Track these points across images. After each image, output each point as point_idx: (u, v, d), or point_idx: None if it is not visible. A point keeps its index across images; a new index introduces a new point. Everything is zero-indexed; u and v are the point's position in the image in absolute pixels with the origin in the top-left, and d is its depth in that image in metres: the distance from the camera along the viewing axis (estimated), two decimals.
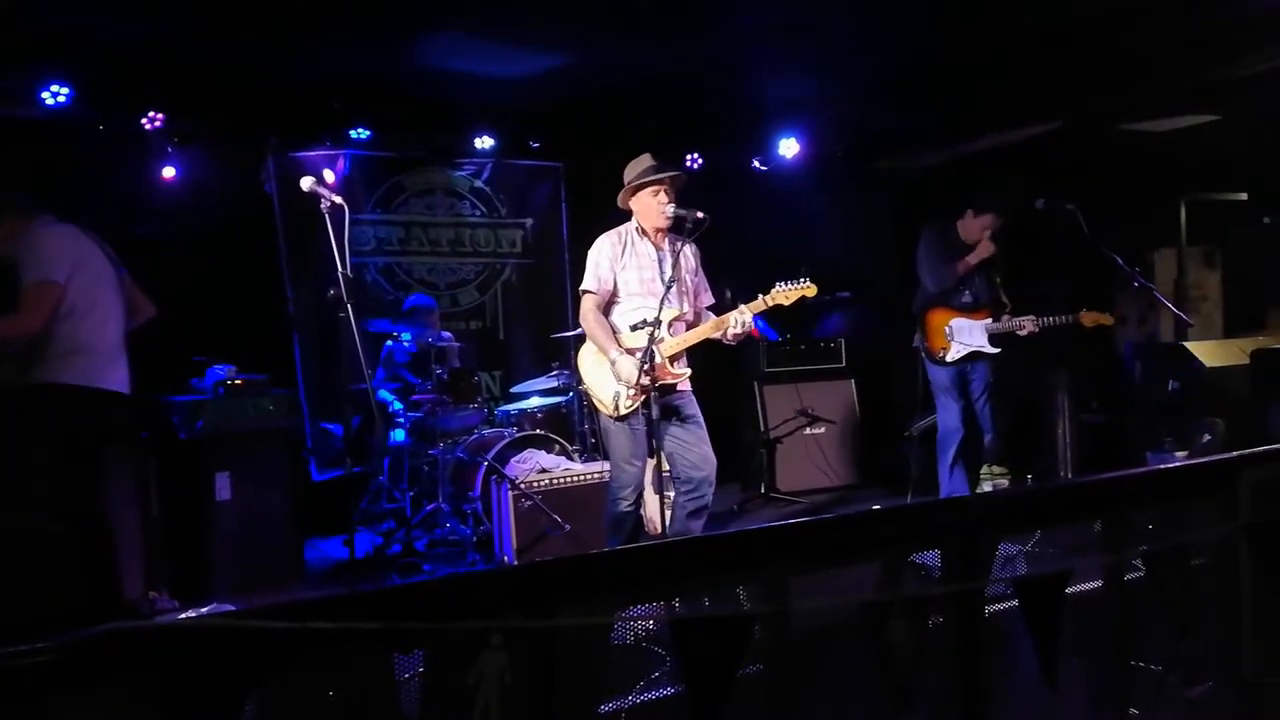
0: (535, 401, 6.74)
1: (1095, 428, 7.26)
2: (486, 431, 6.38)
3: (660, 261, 4.63)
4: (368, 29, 5.56)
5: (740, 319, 4.41)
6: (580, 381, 5.04)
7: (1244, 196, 7.78)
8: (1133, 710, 2.48)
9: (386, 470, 6.64)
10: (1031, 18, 5.74)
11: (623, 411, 4.47)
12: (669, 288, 4.39)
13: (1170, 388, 6.64)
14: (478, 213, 8.09)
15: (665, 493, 4.55)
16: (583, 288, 4.67)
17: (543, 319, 7.98)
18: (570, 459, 6.14)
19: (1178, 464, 2.89)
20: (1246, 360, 6.33)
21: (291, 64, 6.11)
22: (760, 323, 7.30)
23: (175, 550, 5.45)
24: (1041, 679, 2.14)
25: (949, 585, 2.13)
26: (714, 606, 2.02)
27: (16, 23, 5.14)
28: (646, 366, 4.24)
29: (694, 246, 4.67)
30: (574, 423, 6.69)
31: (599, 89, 6.72)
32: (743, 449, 8.00)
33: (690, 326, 4.62)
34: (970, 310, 6.05)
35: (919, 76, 6.72)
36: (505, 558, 5.73)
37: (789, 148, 8.21)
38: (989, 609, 2.21)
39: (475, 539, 5.92)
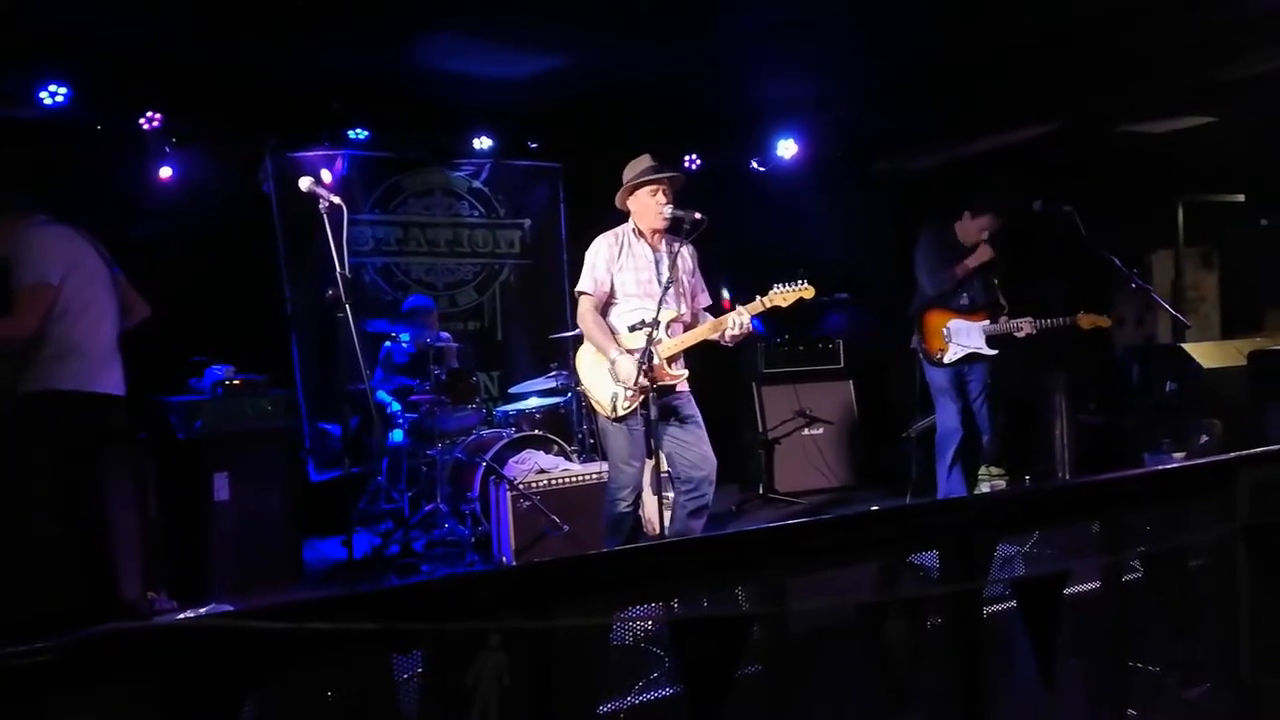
0: (533, 402, 6.74)
1: (1093, 429, 7.27)
2: (485, 432, 6.38)
3: (657, 263, 4.63)
4: (366, 29, 5.56)
5: (738, 321, 4.41)
6: (578, 382, 5.04)
7: (1241, 198, 7.79)
8: (1131, 711, 2.48)
9: (385, 471, 6.65)
10: (1031, 18, 5.74)
11: (620, 412, 4.47)
12: (666, 289, 4.39)
13: (1168, 389, 6.65)
14: (476, 213, 8.09)
15: (664, 493, 4.55)
16: (579, 289, 4.67)
17: (541, 319, 7.98)
18: (568, 460, 6.14)
19: (1175, 465, 2.90)
20: (1244, 361, 6.35)
21: (290, 64, 6.11)
22: (753, 319, 7.34)
23: (173, 550, 5.44)
24: (1039, 680, 2.14)
25: (947, 586, 2.14)
26: (712, 607, 2.03)
27: (15, 23, 5.13)
28: (645, 367, 4.25)
29: (691, 248, 4.67)
30: (572, 423, 6.68)
31: (597, 90, 6.72)
32: (741, 450, 8.00)
33: (688, 328, 4.62)
34: (968, 312, 6.05)
35: (917, 77, 6.72)
36: (503, 558, 5.73)
37: (787, 149, 8.22)
38: (987, 610, 2.21)
39: (473, 539, 5.92)
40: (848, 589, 2.10)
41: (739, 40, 5.95)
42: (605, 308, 4.64)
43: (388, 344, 6.74)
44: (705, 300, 4.84)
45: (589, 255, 4.67)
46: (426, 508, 6.09)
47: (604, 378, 4.53)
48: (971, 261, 6.01)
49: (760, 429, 7.88)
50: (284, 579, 5.57)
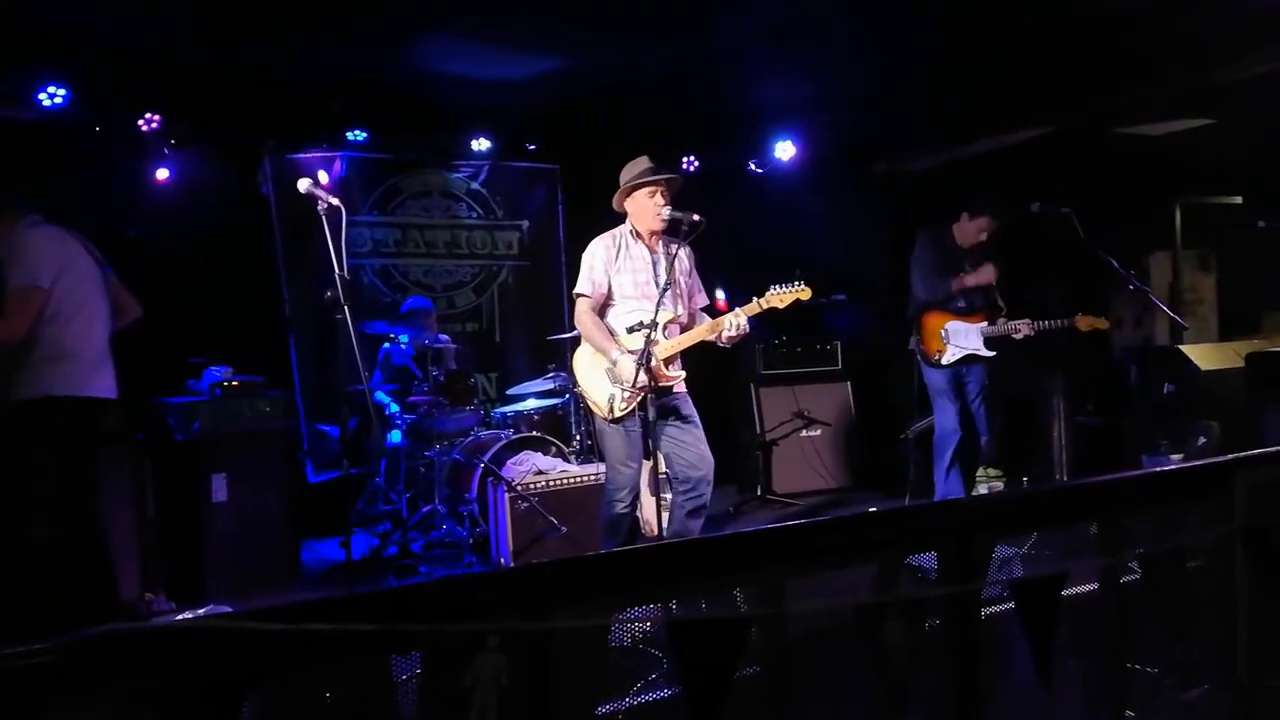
0: (532, 403, 6.74)
1: (1091, 430, 7.27)
2: (483, 433, 6.38)
3: (654, 264, 4.63)
4: (365, 31, 5.56)
5: (735, 322, 4.41)
6: (575, 384, 5.04)
7: (1239, 200, 7.79)
8: (1129, 712, 2.49)
9: (383, 472, 6.64)
10: (1030, 18, 5.74)
11: (617, 414, 4.48)
12: (664, 291, 4.39)
13: (1165, 391, 6.66)
14: (474, 215, 8.09)
15: (662, 494, 4.55)
16: (577, 291, 4.66)
17: (539, 321, 7.97)
18: (566, 461, 6.14)
19: (1173, 467, 2.91)
20: (1241, 363, 6.35)
21: (289, 65, 6.11)
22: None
23: (171, 552, 5.44)
24: (1037, 681, 2.14)
25: (945, 587, 2.14)
26: (711, 609, 2.03)
27: (14, 24, 5.12)
28: (644, 367, 4.25)
29: (688, 248, 4.66)
30: (570, 425, 6.68)
31: (595, 91, 6.73)
32: (739, 451, 8.00)
33: (685, 329, 4.62)
34: (966, 313, 6.06)
35: (916, 78, 6.73)
36: (501, 559, 5.73)
37: (785, 150, 8.22)
38: (985, 611, 2.21)
39: (471, 541, 5.92)
40: (846, 590, 2.10)
41: (738, 41, 5.95)
42: (602, 309, 4.65)
43: (386, 345, 6.73)
44: (702, 300, 4.85)
45: (586, 257, 4.67)
46: (424, 509, 6.09)
47: (601, 379, 4.53)
48: (970, 279, 6.01)
49: (758, 430, 7.88)
50: (282, 580, 5.57)
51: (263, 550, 5.55)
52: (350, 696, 1.56)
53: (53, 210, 4.49)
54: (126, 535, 5.03)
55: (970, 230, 6.07)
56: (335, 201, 4.18)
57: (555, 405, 6.71)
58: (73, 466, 4.36)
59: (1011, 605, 2.16)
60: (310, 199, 4.15)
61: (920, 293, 6.12)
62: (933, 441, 6.24)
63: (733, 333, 4.43)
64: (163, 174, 6.60)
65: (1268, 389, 6.03)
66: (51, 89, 5.86)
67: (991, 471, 6.96)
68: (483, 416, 6.67)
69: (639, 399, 4.40)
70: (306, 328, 7.12)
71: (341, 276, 4.14)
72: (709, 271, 4.97)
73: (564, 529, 5.65)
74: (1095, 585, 2.47)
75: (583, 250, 4.72)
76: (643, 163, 4.62)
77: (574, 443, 6.54)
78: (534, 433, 6.34)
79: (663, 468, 4.52)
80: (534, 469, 5.84)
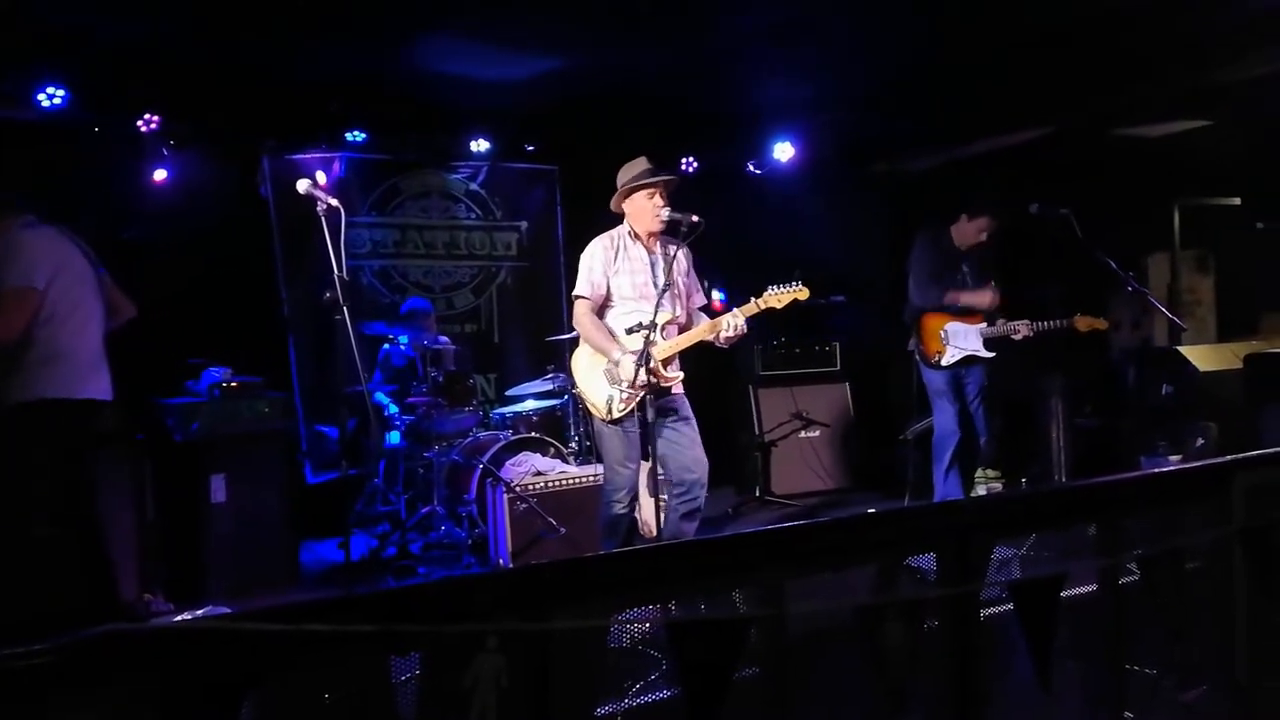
0: (530, 404, 6.74)
1: (1089, 432, 7.27)
2: (481, 434, 6.38)
3: (653, 265, 4.63)
4: (365, 31, 5.56)
5: (733, 323, 4.42)
6: (574, 385, 5.04)
7: (1237, 201, 7.81)
8: (1127, 714, 2.49)
9: (382, 473, 6.64)
10: (1029, 18, 5.75)
11: (616, 415, 4.48)
12: (663, 293, 4.39)
13: (1164, 392, 6.66)
14: (473, 216, 8.10)
15: (660, 495, 4.55)
16: (576, 293, 4.66)
17: (538, 322, 7.97)
18: (565, 462, 6.14)
19: (1171, 468, 2.91)
20: (1239, 365, 6.35)
21: (288, 66, 6.11)
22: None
23: (170, 552, 5.43)
24: (1036, 682, 2.14)
25: (944, 588, 2.14)
26: (710, 610, 2.03)
27: (13, 23, 5.12)
28: (644, 368, 4.25)
29: (686, 248, 4.66)
30: (569, 426, 6.69)
31: (594, 92, 6.73)
32: (737, 452, 8.00)
33: (683, 329, 4.63)
34: (965, 315, 6.06)
35: (916, 78, 6.73)
36: (500, 560, 5.73)
37: (784, 151, 8.22)
38: (984, 612, 2.22)
39: (470, 542, 5.92)
40: (845, 591, 2.10)
41: (738, 41, 5.95)
42: (601, 311, 4.65)
43: (386, 346, 6.73)
44: (700, 300, 4.85)
45: (584, 259, 4.66)
46: (423, 510, 6.08)
47: (600, 380, 4.53)
48: (965, 297, 6.00)
49: (757, 431, 7.88)
50: (281, 581, 5.57)
51: (262, 551, 5.54)
52: (349, 697, 1.56)
53: (52, 211, 4.46)
54: (125, 536, 5.02)
55: (969, 231, 6.07)
56: (334, 202, 4.18)
57: (554, 406, 6.71)
58: (71, 466, 4.36)
59: (1010, 606, 2.16)
60: (309, 200, 4.15)
61: (915, 298, 6.13)
62: (931, 443, 6.24)
63: (730, 333, 4.43)
64: (161, 174, 6.59)
65: (1266, 390, 6.04)
66: (51, 89, 5.86)
67: (990, 473, 6.97)
68: (481, 417, 6.67)
69: (637, 400, 4.40)
70: (305, 329, 7.12)
71: (340, 277, 4.14)
72: (708, 273, 4.97)
73: (563, 530, 5.65)
74: (1094, 586, 2.48)
75: (581, 251, 4.72)
76: (641, 164, 4.62)
77: (572, 444, 6.54)
78: (533, 434, 6.34)
79: (661, 469, 4.52)
80: (533, 470, 5.84)
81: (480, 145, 7.69)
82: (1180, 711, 2.69)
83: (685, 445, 4.53)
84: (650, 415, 4.34)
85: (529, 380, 6.98)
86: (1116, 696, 2.48)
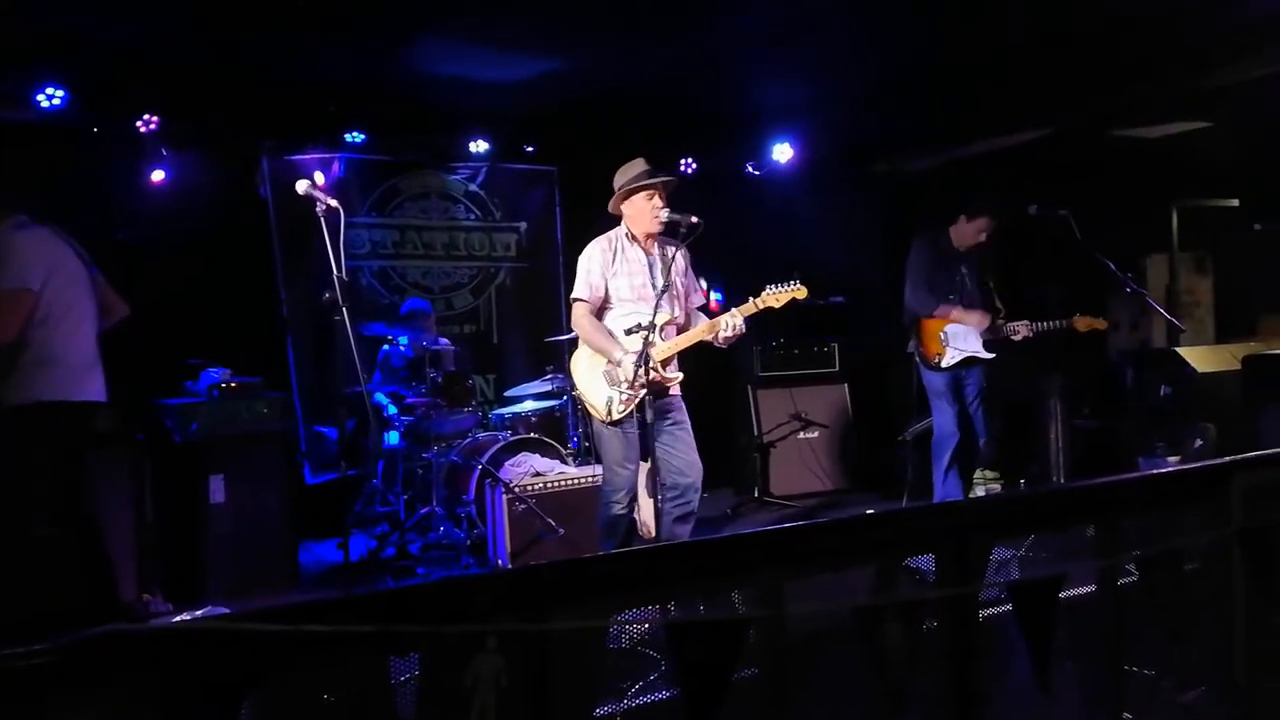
0: (529, 405, 6.74)
1: (1088, 433, 7.28)
2: (481, 435, 6.38)
3: (651, 267, 4.63)
4: (364, 31, 5.56)
5: (731, 322, 4.42)
6: (573, 386, 5.04)
7: (1235, 203, 7.81)
8: (1126, 715, 2.49)
9: (381, 474, 6.64)
10: (1029, 20, 5.75)
11: (615, 416, 4.48)
12: (662, 293, 4.39)
13: (1162, 393, 6.67)
14: (472, 216, 8.10)
15: (659, 496, 4.55)
16: (575, 295, 4.66)
17: (537, 322, 7.97)
18: (564, 463, 6.14)
19: (1170, 469, 2.91)
20: (1238, 366, 6.36)
21: (287, 66, 6.11)
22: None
23: (169, 553, 5.42)
24: (1035, 683, 2.15)
25: (943, 589, 2.14)
26: (709, 610, 2.03)
27: (13, 24, 5.12)
28: (644, 369, 4.25)
29: (684, 249, 4.66)
30: (568, 427, 6.69)
31: (593, 93, 6.73)
32: (736, 453, 8.01)
33: (681, 330, 4.63)
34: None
35: (915, 79, 6.73)
36: (499, 561, 5.73)
37: (783, 152, 8.22)
38: (983, 613, 2.22)
39: (469, 542, 5.92)
40: (844, 592, 2.10)
41: (737, 41, 5.95)
42: (599, 313, 4.65)
43: (385, 347, 6.73)
44: (699, 300, 4.86)
45: (583, 261, 4.66)
46: (422, 510, 6.08)
47: (599, 381, 4.53)
48: (956, 314, 6.00)
49: (756, 432, 7.88)
50: (280, 581, 5.57)
51: (261, 551, 5.54)
52: (349, 697, 1.56)
53: (51, 211, 4.46)
54: (125, 536, 5.02)
55: (969, 232, 6.07)
56: (333, 203, 4.18)
57: (553, 407, 6.71)
58: (70, 467, 4.35)
59: (1009, 607, 2.16)
60: (308, 200, 4.15)
61: (910, 301, 6.13)
62: (931, 443, 6.24)
63: (729, 333, 4.43)
64: (160, 175, 6.58)
65: (1264, 391, 6.04)
66: (50, 90, 5.85)
67: (989, 474, 6.97)
68: (480, 418, 6.67)
69: (636, 401, 4.40)
70: (304, 329, 7.12)
71: (340, 278, 4.14)
72: (707, 273, 4.97)
73: (562, 531, 5.65)
74: (1093, 587, 2.48)
75: (580, 252, 4.72)
76: (639, 165, 4.62)
77: (571, 444, 6.54)
78: (532, 434, 6.34)
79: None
80: (531, 470, 5.84)
81: (479, 146, 7.69)
82: (1179, 712, 2.69)
83: (680, 449, 4.53)
84: (649, 416, 4.34)
85: (528, 381, 6.98)
86: (1115, 697, 2.48)
